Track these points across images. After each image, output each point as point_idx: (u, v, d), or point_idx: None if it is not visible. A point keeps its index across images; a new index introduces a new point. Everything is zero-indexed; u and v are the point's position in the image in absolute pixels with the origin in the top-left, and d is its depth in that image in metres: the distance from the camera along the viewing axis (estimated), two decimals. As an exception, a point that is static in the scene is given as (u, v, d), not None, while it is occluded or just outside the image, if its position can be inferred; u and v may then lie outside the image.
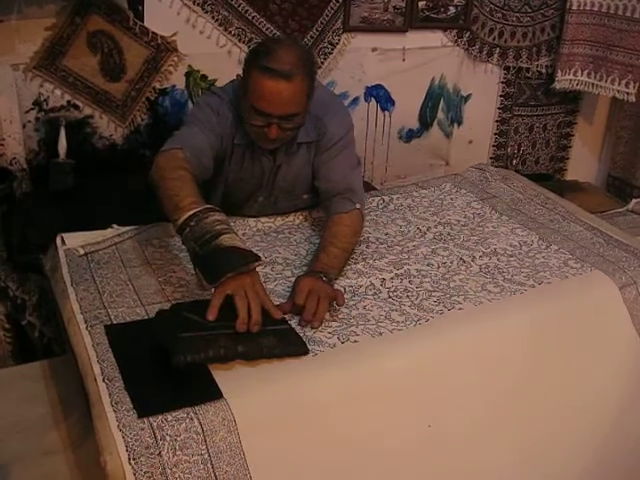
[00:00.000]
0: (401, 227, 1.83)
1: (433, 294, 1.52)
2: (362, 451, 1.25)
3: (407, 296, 1.51)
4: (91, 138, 2.29)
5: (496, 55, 2.83)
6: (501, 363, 1.42)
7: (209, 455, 1.11)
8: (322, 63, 2.53)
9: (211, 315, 1.26)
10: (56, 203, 2.11)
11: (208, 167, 1.64)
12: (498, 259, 1.68)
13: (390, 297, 1.50)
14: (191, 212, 1.35)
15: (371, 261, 1.64)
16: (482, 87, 2.89)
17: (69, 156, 2.17)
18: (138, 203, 2.06)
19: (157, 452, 1.08)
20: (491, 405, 1.40)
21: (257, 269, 1.35)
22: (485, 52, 2.80)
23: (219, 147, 1.69)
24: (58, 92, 2.20)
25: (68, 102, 2.22)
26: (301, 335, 1.33)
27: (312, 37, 2.48)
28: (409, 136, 2.83)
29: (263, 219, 1.81)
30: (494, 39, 2.80)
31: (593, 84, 2.89)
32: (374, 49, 2.61)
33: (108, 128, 2.30)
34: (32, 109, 2.19)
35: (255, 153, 1.74)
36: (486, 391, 1.39)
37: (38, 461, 1.34)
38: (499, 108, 2.96)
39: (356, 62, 2.60)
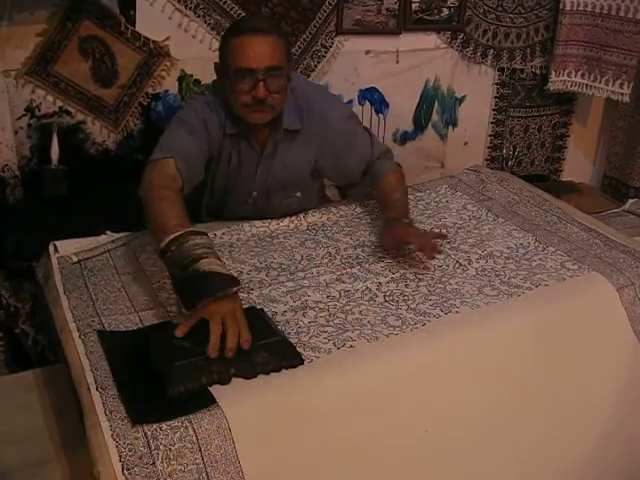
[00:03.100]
0: (397, 230, 1.82)
1: (430, 298, 1.50)
2: (359, 458, 1.23)
3: (403, 300, 1.49)
4: (84, 144, 2.27)
5: (490, 56, 2.82)
6: (499, 367, 1.41)
7: (204, 464, 1.10)
8: (315, 66, 2.51)
9: (179, 332, 1.25)
10: (49, 210, 2.10)
11: (199, 170, 1.68)
12: (495, 262, 1.67)
13: (386, 301, 1.49)
14: (173, 236, 1.35)
15: (367, 265, 1.63)
16: (476, 89, 2.88)
17: (62, 162, 2.15)
18: (132, 209, 2.05)
19: (151, 462, 1.07)
20: (489, 409, 1.38)
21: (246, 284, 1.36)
22: (479, 53, 2.79)
23: (209, 147, 1.72)
24: (50, 98, 2.18)
25: (60, 108, 2.20)
26: (295, 341, 1.32)
27: (305, 40, 2.47)
28: (404, 138, 2.81)
29: (258, 223, 1.80)
30: (488, 40, 2.79)
31: (587, 85, 2.88)
32: (367, 52, 2.60)
33: (101, 134, 2.28)
34: (24, 115, 2.16)
35: (243, 145, 1.77)
36: (484, 395, 1.38)
37: (31, 471, 1.32)
38: (494, 109, 2.95)
39: (350, 65, 2.58)
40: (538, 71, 2.93)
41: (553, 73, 2.87)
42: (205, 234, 1.40)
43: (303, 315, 1.43)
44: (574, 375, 1.50)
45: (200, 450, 1.10)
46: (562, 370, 1.49)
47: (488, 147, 3.02)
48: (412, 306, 1.47)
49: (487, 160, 3.04)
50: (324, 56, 2.52)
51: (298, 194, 1.88)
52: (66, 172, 2.14)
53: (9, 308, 1.93)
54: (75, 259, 1.58)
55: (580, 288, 1.58)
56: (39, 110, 2.17)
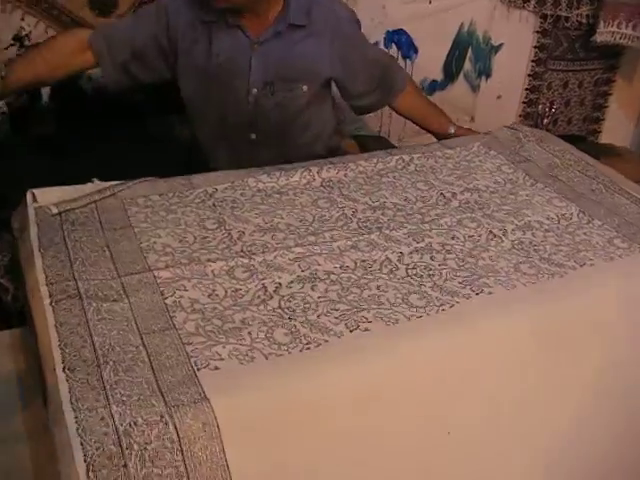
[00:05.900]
0: (422, 192, 1.61)
1: (459, 274, 1.31)
2: (370, 463, 1.07)
3: (428, 275, 1.30)
4: (78, 80, 2.08)
5: (533, 1, 2.58)
6: (535, 358, 1.23)
7: (185, 468, 0.92)
8: (339, 3, 2.29)
9: None
10: (37, 153, 1.93)
11: (127, 47, 1.77)
12: (533, 234, 1.46)
13: (408, 275, 1.30)
14: None
15: (387, 231, 1.43)
16: (515, 36, 2.66)
17: (53, 99, 2.00)
18: (126, 154, 1.88)
19: (122, 463, 0.90)
20: (522, 407, 1.21)
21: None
22: (521, -3, 2.55)
23: (169, 32, 1.75)
24: (41, 26, 2.00)
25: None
26: (302, 320, 1.14)
27: (328, -27, 2.24)
28: (432, 88, 2.63)
29: (265, 178, 1.59)
30: (531, -18, 2.54)
31: (638, 38, 2.64)
32: (398, -11, 2.38)
33: (97, 69, 2.08)
34: (12, 45, 2.00)
35: (233, 33, 1.76)
36: (517, 391, 1.20)
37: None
38: (532, 61, 2.73)
39: (377, 3, 2.40)
40: (584, 20, 2.69)
41: (602, 23, 2.63)
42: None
43: (312, 288, 1.24)
44: (621, 368, 1.32)
45: (181, 451, 0.93)
46: (607, 362, 1.30)
47: (523, 102, 2.81)
48: (438, 283, 1.28)
49: (521, 116, 2.84)
50: (349, -7, 2.30)
51: (304, 87, 1.82)
52: (57, 110, 1.98)
53: (-14, 260, 1.76)
54: (55, 210, 1.39)
55: (631, 270, 1.38)
56: (29, 39, 2.01)
